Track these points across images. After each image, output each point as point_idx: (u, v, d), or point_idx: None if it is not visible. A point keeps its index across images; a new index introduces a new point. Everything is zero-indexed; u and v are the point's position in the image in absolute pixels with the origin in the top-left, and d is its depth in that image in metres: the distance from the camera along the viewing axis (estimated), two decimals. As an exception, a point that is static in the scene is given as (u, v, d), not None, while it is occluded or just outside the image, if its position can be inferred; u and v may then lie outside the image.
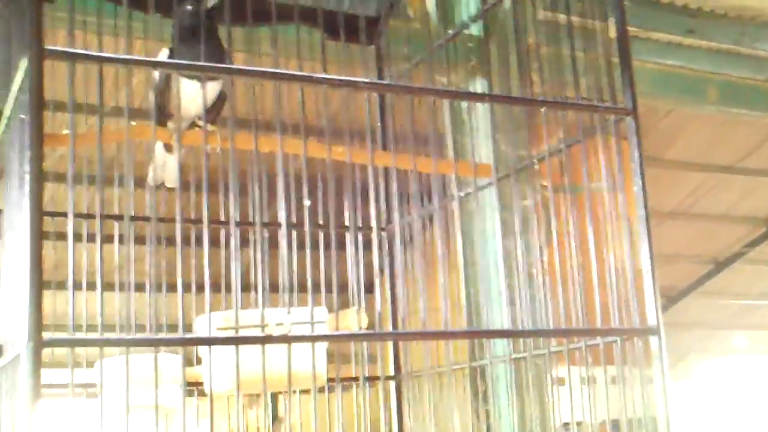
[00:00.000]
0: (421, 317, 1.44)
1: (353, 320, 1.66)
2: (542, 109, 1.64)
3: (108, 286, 1.39)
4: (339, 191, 1.78)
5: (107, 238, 1.75)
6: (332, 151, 1.74)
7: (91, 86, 1.73)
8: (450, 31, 2.16)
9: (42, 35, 1.30)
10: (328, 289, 1.76)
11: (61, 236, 1.96)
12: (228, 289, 1.57)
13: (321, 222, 2.05)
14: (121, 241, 1.98)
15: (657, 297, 1.66)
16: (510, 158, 3.13)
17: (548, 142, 1.70)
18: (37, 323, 1.22)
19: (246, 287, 1.48)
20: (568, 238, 1.76)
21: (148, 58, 1.41)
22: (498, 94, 1.63)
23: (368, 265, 2.04)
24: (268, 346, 1.32)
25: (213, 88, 2.01)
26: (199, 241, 2.04)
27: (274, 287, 1.63)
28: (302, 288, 1.47)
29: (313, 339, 1.36)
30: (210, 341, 1.31)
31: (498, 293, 2.27)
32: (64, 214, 1.87)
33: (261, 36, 2.17)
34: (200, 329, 1.54)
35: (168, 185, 2.06)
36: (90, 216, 2.01)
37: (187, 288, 1.53)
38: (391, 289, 2.18)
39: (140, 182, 1.69)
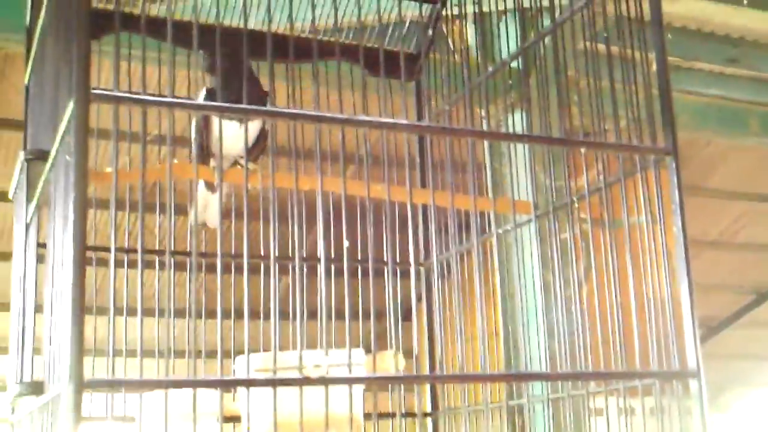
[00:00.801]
0: (459, 360, 1.43)
1: (390, 363, 1.66)
2: (582, 151, 1.63)
3: (148, 312, 1.42)
4: (377, 224, 1.79)
5: (148, 264, 1.77)
6: (371, 189, 1.75)
7: (135, 113, 1.75)
8: (490, 68, 2.16)
9: (89, 80, 1.32)
10: (366, 316, 1.76)
11: (103, 262, 2.00)
12: (267, 316, 1.58)
13: (359, 257, 2.07)
14: (161, 267, 2.01)
15: (697, 339, 1.64)
16: (548, 189, 3.12)
17: (587, 175, 1.69)
18: (78, 364, 1.23)
19: (284, 315, 1.49)
20: (607, 273, 1.75)
21: (191, 102, 1.43)
22: (537, 135, 1.62)
23: (406, 298, 2.04)
24: (305, 388, 1.33)
25: (254, 126, 2.03)
26: (239, 269, 2.06)
27: (312, 314, 1.66)
28: (339, 315, 1.48)
29: (351, 381, 1.37)
30: (248, 383, 1.32)
31: (536, 330, 2.26)
32: (107, 249, 1.90)
33: (303, 69, 2.19)
34: (239, 370, 1.55)
35: (210, 225, 2.08)
36: (132, 251, 2.03)
37: (226, 315, 1.55)
38: (428, 325, 2.18)
39: (182, 210, 1.71)
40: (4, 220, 6.59)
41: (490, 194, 3.28)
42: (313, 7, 1.93)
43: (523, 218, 2.04)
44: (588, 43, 1.87)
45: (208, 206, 2.05)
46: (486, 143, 3.57)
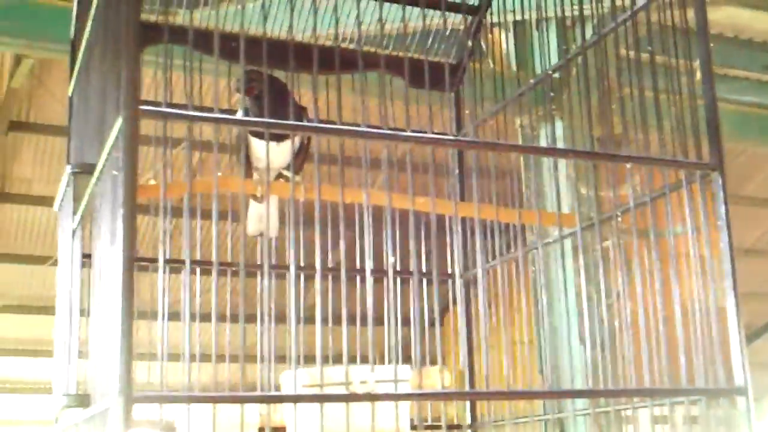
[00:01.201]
0: (505, 374, 1.43)
1: (437, 378, 1.65)
2: (628, 166, 1.62)
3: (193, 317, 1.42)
4: (417, 235, 1.79)
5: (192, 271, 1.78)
6: (415, 202, 1.75)
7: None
8: (532, 80, 2.15)
9: (138, 96, 1.33)
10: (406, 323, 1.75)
11: (142, 267, 2.01)
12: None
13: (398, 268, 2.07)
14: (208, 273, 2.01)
15: (744, 355, 1.62)
16: (586, 200, 3.10)
17: (632, 189, 1.68)
18: (128, 379, 1.23)
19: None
20: (651, 286, 1.73)
21: (236, 117, 1.43)
22: (582, 150, 1.61)
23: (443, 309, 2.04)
24: (351, 403, 1.33)
25: (290, 145, 2.03)
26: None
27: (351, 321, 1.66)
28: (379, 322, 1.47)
29: (397, 398, 1.36)
30: (295, 398, 1.32)
31: (576, 343, 2.25)
32: (155, 260, 1.91)
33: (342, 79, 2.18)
34: (286, 385, 1.55)
35: (269, 236, 2.07)
36: (179, 261, 2.03)
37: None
38: (467, 338, 2.17)
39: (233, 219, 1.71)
40: (39, 223, 6.67)
41: (523, 205, 3.26)
42: (359, 16, 1.92)
43: (564, 231, 2.03)
44: (631, 53, 1.85)
45: (263, 217, 2.05)
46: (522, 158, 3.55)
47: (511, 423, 1.95)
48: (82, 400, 1.53)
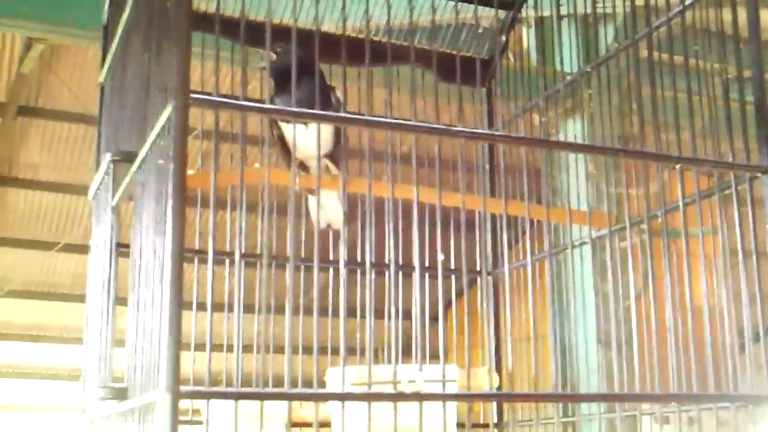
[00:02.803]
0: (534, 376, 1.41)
1: (485, 380, 1.63)
2: (677, 166, 1.60)
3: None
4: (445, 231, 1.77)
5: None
6: (444, 197, 1.72)
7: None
8: (561, 85, 2.13)
9: (188, 85, 1.30)
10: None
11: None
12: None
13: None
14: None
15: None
16: (607, 195, 3.07)
17: (682, 191, 1.66)
18: (175, 374, 1.21)
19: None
20: (679, 288, 1.71)
21: (287, 108, 1.41)
22: (632, 149, 1.59)
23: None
24: (399, 403, 1.31)
25: (324, 127, 1.99)
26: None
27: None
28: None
29: (444, 398, 1.34)
30: (343, 397, 1.30)
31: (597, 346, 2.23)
32: (204, 253, 1.89)
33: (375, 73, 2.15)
34: (332, 382, 1.53)
35: (335, 227, 2.04)
36: (229, 254, 2.00)
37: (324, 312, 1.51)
38: (495, 338, 2.16)
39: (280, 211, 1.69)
40: (46, 208, 6.64)
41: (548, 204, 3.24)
42: (389, 7, 1.90)
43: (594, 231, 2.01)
44: (672, 56, 1.83)
45: (326, 208, 2.01)
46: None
47: (539, 424, 1.92)
48: (120, 392, 1.50)
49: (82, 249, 7.02)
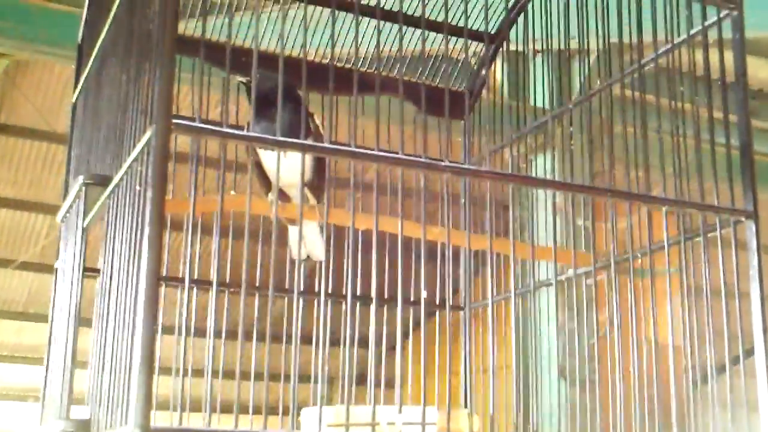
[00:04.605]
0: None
1: (464, 423, 1.59)
2: (664, 209, 1.58)
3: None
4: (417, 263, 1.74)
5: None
6: (429, 231, 1.70)
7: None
8: (549, 115, 2.11)
9: (171, 109, 1.26)
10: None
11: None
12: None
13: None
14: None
15: None
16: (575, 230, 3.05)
17: (667, 233, 1.64)
18: (146, 412, 1.16)
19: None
20: (644, 327, 1.70)
21: (272, 137, 1.37)
22: (619, 189, 1.57)
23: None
24: (377, 443, 1.27)
25: (299, 156, 1.95)
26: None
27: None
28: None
29: (425, 440, 1.30)
30: (321, 437, 1.26)
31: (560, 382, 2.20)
32: (180, 280, 1.84)
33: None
34: (307, 422, 1.48)
35: (314, 259, 2.00)
36: (205, 282, 1.96)
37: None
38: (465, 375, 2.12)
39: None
40: (3, 225, 6.51)
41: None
42: (379, 34, 1.87)
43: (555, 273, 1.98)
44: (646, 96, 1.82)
45: (306, 240, 1.97)
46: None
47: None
48: (82, 427, 1.44)
49: (39, 267, 6.86)
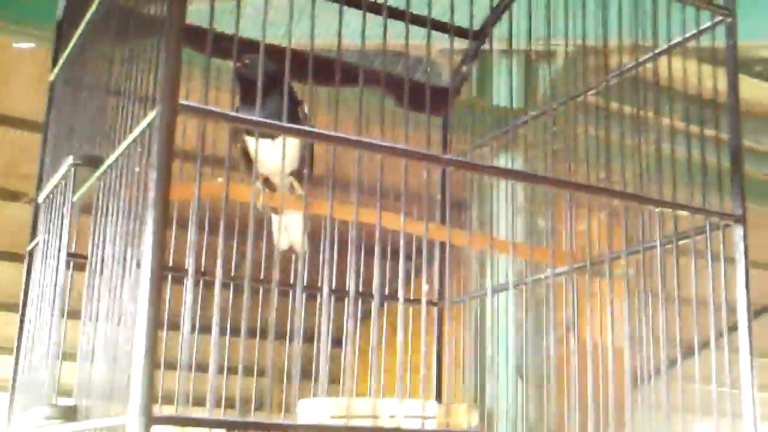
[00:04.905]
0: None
1: (464, 417, 1.58)
2: (657, 209, 1.60)
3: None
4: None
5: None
6: (408, 225, 1.69)
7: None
8: (534, 113, 2.11)
9: (178, 90, 1.23)
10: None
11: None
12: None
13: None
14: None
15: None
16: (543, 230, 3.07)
17: (660, 233, 1.66)
18: (149, 398, 1.13)
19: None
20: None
21: (277, 123, 1.35)
22: (610, 188, 1.57)
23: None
24: (378, 436, 1.25)
25: (289, 143, 1.92)
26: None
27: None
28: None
29: (424, 434, 1.30)
30: (323, 429, 1.24)
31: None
32: (182, 271, 1.81)
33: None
34: (306, 413, 1.45)
35: (296, 250, 1.97)
36: (204, 274, 1.94)
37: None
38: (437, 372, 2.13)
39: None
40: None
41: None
42: (364, 29, 1.85)
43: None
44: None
45: (288, 229, 1.94)
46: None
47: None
48: (68, 413, 1.40)
49: (6, 256, 6.68)
